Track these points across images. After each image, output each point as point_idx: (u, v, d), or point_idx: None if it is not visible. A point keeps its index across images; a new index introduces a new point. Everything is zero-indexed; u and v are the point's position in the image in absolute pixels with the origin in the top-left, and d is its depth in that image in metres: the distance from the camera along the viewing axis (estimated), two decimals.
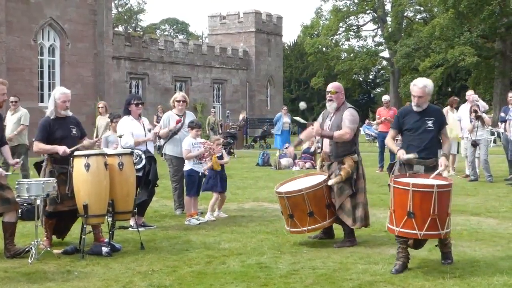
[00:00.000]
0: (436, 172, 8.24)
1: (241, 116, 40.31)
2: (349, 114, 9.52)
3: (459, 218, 11.92)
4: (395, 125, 8.80)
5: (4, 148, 9.44)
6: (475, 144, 18.09)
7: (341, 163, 9.52)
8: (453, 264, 8.23)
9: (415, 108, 8.54)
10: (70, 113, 9.66)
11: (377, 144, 24.08)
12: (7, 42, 33.02)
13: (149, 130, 11.57)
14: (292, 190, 9.44)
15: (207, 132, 33.82)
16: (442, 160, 8.42)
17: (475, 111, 18.03)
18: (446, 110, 19.90)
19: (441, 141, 8.72)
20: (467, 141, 18.52)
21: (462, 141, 19.31)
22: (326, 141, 9.73)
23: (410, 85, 8.76)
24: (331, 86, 9.82)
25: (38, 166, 9.56)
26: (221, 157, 12.34)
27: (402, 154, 8.39)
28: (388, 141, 8.81)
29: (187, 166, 11.94)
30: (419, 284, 7.31)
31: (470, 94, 19.08)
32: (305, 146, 24.34)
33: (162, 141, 12.73)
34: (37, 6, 34.92)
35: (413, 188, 7.66)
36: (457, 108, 20.34)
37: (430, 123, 8.49)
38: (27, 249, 8.73)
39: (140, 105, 11.37)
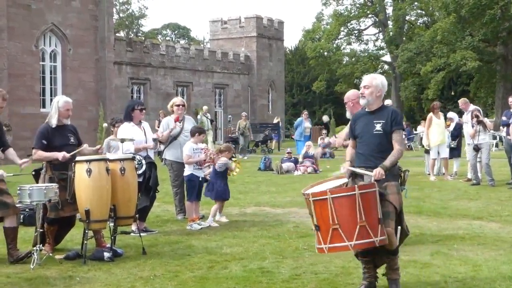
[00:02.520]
0: (364, 172, 7.16)
1: (275, 120, 40.48)
2: None
3: (461, 222, 11.92)
4: (349, 132, 7.75)
5: (9, 151, 9.45)
6: (477, 149, 18.10)
7: None
8: (455, 268, 8.21)
9: (361, 102, 7.49)
10: (68, 122, 9.68)
11: None
12: (9, 48, 33.07)
13: (154, 140, 11.58)
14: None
15: (238, 136, 33.60)
16: (376, 170, 6.99)
17: (477, 116, 18.06)
18: (430, 116, 19.89)
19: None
20: (470, 145, 18.53)
21: (466, 145, 19.33)
22: None
23: None
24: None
25: (36, 173, 9.55)
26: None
27: (342, 168, 7.63)
28: (347, 151, 7.71)
29: (188, 171, 11.94)
30: None
31: (463, 103, 19.26)
32: (304, 150, 24.39)
33: (162, 147, 12.72)
34: (39, 12, 34.96)
35: (332, 195, 6.62)
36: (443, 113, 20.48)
37: (378, 126, 7.29)
38: (29, 255, 8.73)
39: (143, 111, 11.40)
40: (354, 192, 6.65)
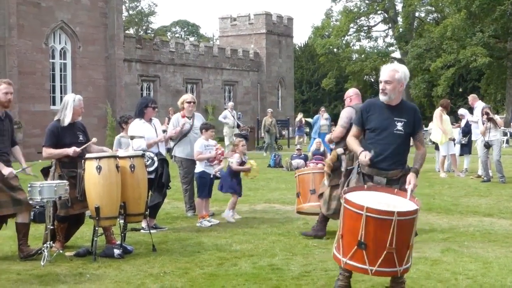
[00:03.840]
0: (408, 191, 6.63)
1: (298, 117, 40.44)
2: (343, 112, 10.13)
3: (471, 219, 11.91)
4: (358, 120, 7.09)
5: (15, 149, 9.46)
6: (488, 146, 18.08)
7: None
8: (465, 265, 8.19)
9: (382, 98, 6.87)
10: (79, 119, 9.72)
11: None
12: (19, 46, 33.13)
13: (163, 131, 11.58)
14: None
15: (263, 134, 33.35)
16: (410, 177, 6.71)
17: (487, 113, 18.05)
18: (439, 113, 19.88)
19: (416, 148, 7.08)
20: (481, 142, 18.52)
21: (477, 143, 19.33)
22: None
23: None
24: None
25: (45, 171, 9.56)
26: (242, 163, 12.39)
27: (364, 157, 6.72)
28: (350, 140, 7.14)
29: (199, 168, 11.95)
30: (432, 286, 7.28)
31: (471, 99, 19.42)
32: (314, 147, 24.36)
33: (172, 143, 12.74)
34: (48, 10, 35.02)
35: (367, 213, 6.04)
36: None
37: (400, 125, 6.77)
38: (39, 251, 8.75)
39: (156, 109, 11.46)
40: (414, 216, 6.22)
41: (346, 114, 10.17)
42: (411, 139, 6.99)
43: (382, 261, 6.10)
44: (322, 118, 29.34)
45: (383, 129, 6.78)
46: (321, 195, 10.30)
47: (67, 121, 9.43)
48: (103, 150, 9.87)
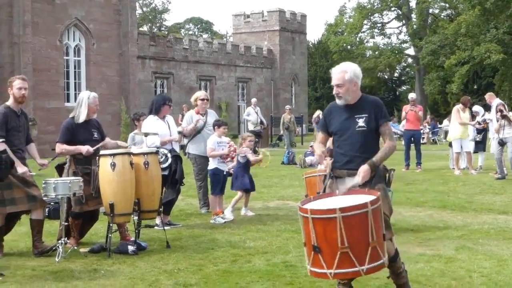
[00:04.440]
0: (351, 184, 6.29)
1: (316, 113, 40.42)
2: None
3: (486, 216, 11.85)
4: (321, 126, 6.85)
5: (30, 146, 9.50)
6: (502, 143, 18.01)
7: None
8: (480, 263, 8.16)
9: (338, 102, 6.53)
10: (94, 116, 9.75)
11: (403, 142, 23.97)
12: (33, 43, 33.27)
13: (179, 133, 11.60)
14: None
15: (281, 132, 33.22)
16: (360, 169, 6.25)
17: (501, 111, 17.97)
18: (457, 109, 19.85)
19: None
20: (495, 140, 18.46)
21: (491, 140, 19.28)
22: None
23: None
24: None
25: (59, 168, 9.59)
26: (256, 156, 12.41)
27: (326, 165, 6.59)
28: (315, 146, 7.01)
29: (212, 164, 11.96)
30: (446, 283, 7.25)
31: (488, 97, 19.37)
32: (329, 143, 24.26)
33: (185, 140, 12.76)
34: (62, 7, 35.14)
35: (312, 215, 5.72)
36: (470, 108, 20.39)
37: (361, 122, 6.43)
38: (54, 248, 8.79)
39: (171, 106, 11.48)
40: (366, 209, 5.69)
41: None
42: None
43: (339, 263, 5.69)
44: None
45: (345, 130, 6.50)
46: None
47: (82, 118, 9.45)
48: (118, 145, 9.93)
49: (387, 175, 6.62)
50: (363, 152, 6.41)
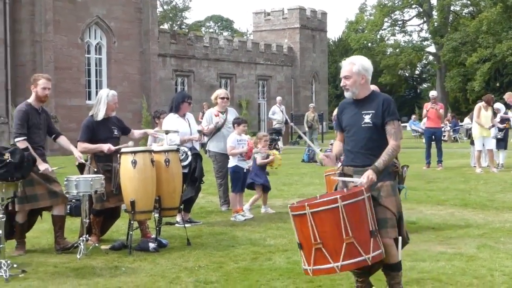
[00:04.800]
0: (351, 179, 6.23)
1: (336, 111, 40.15)
2: None
3: (507, 214, 11.80)
4: (336, 125, 6.81)
5: (61, 139, 9.55)
6: None
7: None
8: (502, 262, 8.12)
9: (346, 95, 6.46)
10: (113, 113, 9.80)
11: (424, 140, 23.87)
12: (55, 41, 33.47)
13: (199, 132, 11.63)
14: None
15: (306, 129, 33.10)
16: (365, 174, 6.01)
17: None
18: (479, 106, 19.77)
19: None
20: None
21: None
22: None
23: None
24: None
25: (81, 165, 9.64)
26: (266, 157, 12.38)
27: (337, 169, 6.52)
28: (334, 144, 6.84)
29: (232, 162, 11.98)
30: (467, 282, 7.22)
31: (508, 96, 19.31)
32: None
33: (206, 138, 12.78)
34: (84, 5, 35.31)
35: (311, 210, 5.64)
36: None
37: (367, 118, 6.24)
38: (75, 245, 8.84)
39: (191, 104, 11.51)
40: (336, 205, 5.58)
41: None
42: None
43: (315, 259, 5.66)
44: None
45: (352, 125, 6.35)
46: None
47: (100, 115, 9.50)
48: (146, 133, 10.07)
49: (398, 171, 6.44)
50: (367, 149, 6.23)
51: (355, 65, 6.33)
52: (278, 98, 33.79)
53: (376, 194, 6.07)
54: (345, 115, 6.47)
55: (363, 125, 6.25)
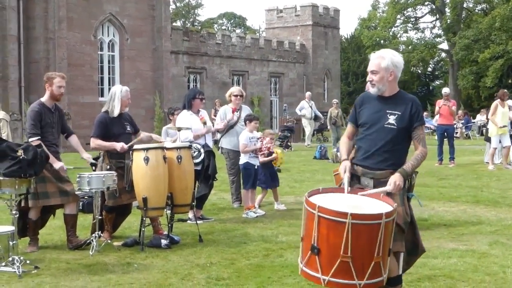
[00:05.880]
0: (379, 190, 5.68)
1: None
2: None
3: None
4: (352, 116, 6.20)
5: (72, 138, 9.59)
6: None
7: None
8: None
9: (371, 90, 6.02)
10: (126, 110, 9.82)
11: (436, 137, 23.83)
12: (68, 38, 33.56)
13: (204, 123, 11.62)
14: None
15: (328, 126, 32.95)
16: (392, 179, 5.66)
17: None
18: (495, 104, 19.71)
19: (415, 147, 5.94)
20: None
21: None
22: None
23: None
24: None
25: (93, 162, 9.68)
26: (270, 154, 12.35)
27: (343, 171, 5.87)
28: (342, 140, 6.25)
29: (243, 159, 12.00)
30: (479, 279, 7.22)
31: None
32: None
33: (219, 135, 12.80)
34: (97, 2, 35.40)
35: (319, 213, 5.19)
36: None
37: (392, 119, 5.82)
38: (88, 242, 8.89)
39: (203, 100, 11.52)
40: (379, 221, 5.14)
41: None
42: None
43: (336, 271, 5.16)
44: None
45: (373, 123, 5.88)
46: None
47: (116, 112, 9.55)
48: (152, 138, 10.04)
49: (408, 179, 5.90)
50: (385, 151, 5.81)
51: (385, 60, 5.89)
52: (308, 94, 33.24)
53: None
54: (365, 110, 5.99)
55: (385, 125, 5.83)
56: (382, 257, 5.24)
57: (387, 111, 5.86)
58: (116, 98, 9.61)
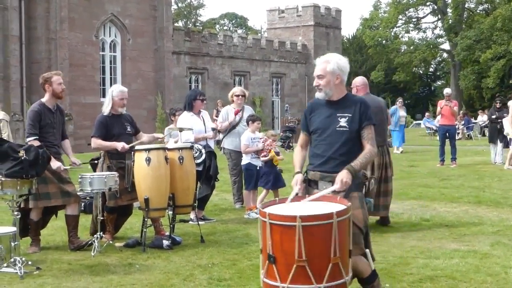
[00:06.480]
0: (327, 190, 5.60)
1: None
2: None
3: None
4: (303, 125, 6.13)
5: (65, 142, 9.57)
6: None
7: None
8: None
9: (318, 95, 5.98)
10: (124, 111, 9.78)
11: (438, 138, 23.82)
12: (70, 39, 33.60)
13: (213, 129, 11.65)
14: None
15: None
16: (339, 176, 5.54)
17: None
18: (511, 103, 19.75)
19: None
20: None
21: None
22: None
23: None
24: None
25: (92, 164, 9.68)
26: (277, 154, 12.34)
27: (295, 184, 5.78)
28: (295, 151, 6.22)
29: (245, 160, 12.00)
30: (481, 279, 7.21)
31: None
32: None
33: (221, 136, 12.80)
34: (98, 2, 35.44)
35: (270, 221, 5.10)
36: None
37: (343, 121, 5.79)
38: (90, 242, 8.89)
39: (204, 101, 11.51)
40: (331, 221, 4.99)
41: None
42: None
43: (294, 277, 5.04)
44: (401, 109, 27.68)
45: (325, 128, 5.84)
46: None
47: (105, 111, 9.55)
48: (154, 137, 10.03)
49: (366, 183, 5.91)
50: (341, 155, 5.76)
51: (330, 64, 5.87)
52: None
53: None
54: (316, 117, 5.95)
55: (337, 128, 5.78)
56: (341, 258, 5.08)
57: (338, 114, 5.82)
58: (107, 97, 9.65)
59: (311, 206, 5.36)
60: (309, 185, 5.85)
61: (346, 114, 5.79)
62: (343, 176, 5.52)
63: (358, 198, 5.71)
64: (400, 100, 29.01)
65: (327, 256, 5.01)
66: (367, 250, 5.73)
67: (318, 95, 5.94)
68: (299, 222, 4.91)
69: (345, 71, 5.90)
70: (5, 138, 12.20)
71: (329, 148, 5.79)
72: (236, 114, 12.48)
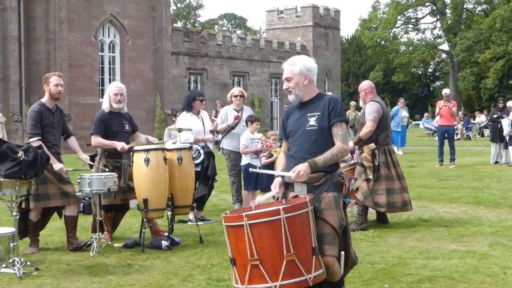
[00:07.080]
0: (277, 173, 5.75)
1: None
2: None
3: None
4: (283, 133, 6.07)
5: (71, 140, 9.55)
6: None
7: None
8: None
9: (289, 98, 5.93)
10: (125, 110, 9.75)
11: (436, 138, 23.83)
12: (69, 39, 33.60)
13: (211, 132, 11.65)
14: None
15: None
16: (298, 167, 5.48)
17: None
18: None
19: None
20: None
21: None
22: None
23: None
24: None
25: (91, 160, 9.67)
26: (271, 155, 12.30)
27: (273, 187, 5.77)
28: (279, 157, 6.28)
29: (245, 160, 11.99)
30: (480, 280, 7.21)
31: None
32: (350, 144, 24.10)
33: (220, 136, 12.80)
34: (98, 3, 35.44)
35: (225, 223, 5.20)
36: None
37: (312, 120, 5.71)
38: (88, 243, 8.88)
39: (203, 101, 11.52)
40: (278, 217, 4.99)
41: (373, 108, 10.17)
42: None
43: (250, 277, 5.07)
44: (403, 110, 27.52)
45: (297, 129, 5.78)
46: (357, 189, 10.23)
47: (104, 107, 9.59)
48: (148, 140, 10.01)
49: (345, 183, 5.75)
50: (312, 154, 5.59)
51: (296, 66, 5.81)
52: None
53: (317, 206, 5.47)
54: (290, 121, 5.90)
55: (307, 128, 5.70)
56: (297, 255, 5.05)
57: (308, 114, 5.77)
58: (105, 94, 9.72)
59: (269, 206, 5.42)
60: (287, 188, 5.77)
61: (316, 113, 5.73)
62: (300, 168, 5.46)
63: (333, 198, 5.59)
64: (402, 100, 28.74)
65: (279, 253, 5.02)
66: (342, 253, 5.64)
67: (290, 98, 5.91)
68: (245, 221, 4.99)
69: (313, 71, 5.87)
70: None
71: (300, 149, 5.73)
72: (235, 119, 12.45)
